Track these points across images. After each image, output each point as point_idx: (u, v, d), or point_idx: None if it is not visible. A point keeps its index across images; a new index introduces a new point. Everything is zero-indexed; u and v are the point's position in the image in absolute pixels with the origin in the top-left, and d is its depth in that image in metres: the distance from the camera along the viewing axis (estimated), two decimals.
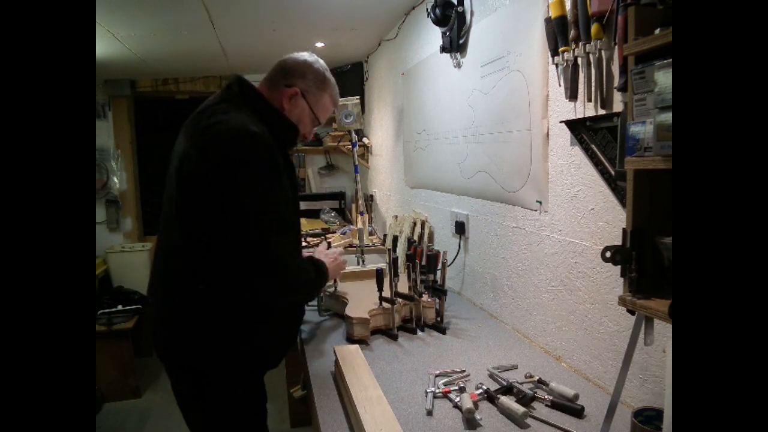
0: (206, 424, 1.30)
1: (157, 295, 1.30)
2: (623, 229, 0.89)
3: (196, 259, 1.20)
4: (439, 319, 1.68)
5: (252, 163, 1.15)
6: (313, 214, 3.94)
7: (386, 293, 1.63)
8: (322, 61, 1.40)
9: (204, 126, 1.19)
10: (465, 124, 1.97)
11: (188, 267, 1.21)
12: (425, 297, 1.69)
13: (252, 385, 1.35)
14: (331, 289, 1.85)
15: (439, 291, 1.67)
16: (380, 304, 1.64)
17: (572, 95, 1.27)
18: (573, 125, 1.29)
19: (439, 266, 1.71)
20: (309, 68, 1.35)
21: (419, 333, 1.63)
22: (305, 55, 1.38)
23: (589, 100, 1.23)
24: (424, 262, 1.68)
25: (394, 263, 1.66)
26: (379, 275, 1.62)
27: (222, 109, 1.24)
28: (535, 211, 1.50)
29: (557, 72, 1.34)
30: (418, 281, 1.68)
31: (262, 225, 1.15)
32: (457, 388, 1.23)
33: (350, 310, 1.63)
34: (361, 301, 1.70)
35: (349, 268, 1.97)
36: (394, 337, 1.59)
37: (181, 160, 1.20)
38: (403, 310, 1.67)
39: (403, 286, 1.68)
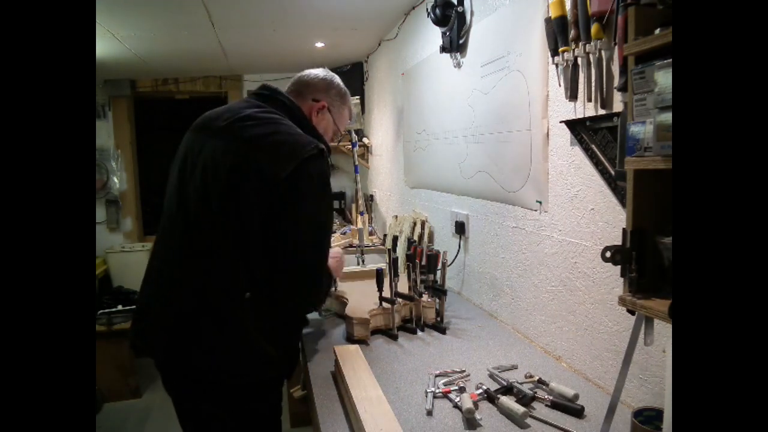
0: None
1: (176, 301, 1.21)
2: (623, 229, 0.89)
3: (245, 267, 1.16)
4: (439, 319, 1.68)
5: (325, 179, 1.23)
6: None
7: (385, 293, 1.63)
8: (338, 77, 1.50)
9: (263, 134, 1.21)
10: (465, 124, 1.97)
11: (234, 274, 1.17)
12: (425, 297, 1.69)
13: (275, 398, 1.32)
14: (331, 289, 1.85)
15: (439, 291, 1.67)
16: (380, 304, 1.64)
17: (572, 95, 1.27)
18: (573, 125, 1.29)
19: (439, 266, 1.71)
20: (331, 84, 1.45)
21: (419, 333, 1.63)
22: (324, 72, 1.47)
23: (589, 100, 1.23)
24: (423, 262, 1.68)
25: (394, 263, 1.66)
26: (379, 275, 1.62)
27: (273, 119, 1.26)
28: (535, 211, 1.50)
29: (557, 72, 1.34)
30: (418, 281, 1.68)
31: (322, 239, 1.25)
32: (457, 388, 1.23)
33: (350, 310, 1.63)
34: (361, 301, 1.70)
35: (349, 268, 1.97)
36: (394, 337, 1.59)
37: (232, 167, 1.17)
38: (402, 310, 1.67)
39: (402, 286, 1.69)
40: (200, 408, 1.24)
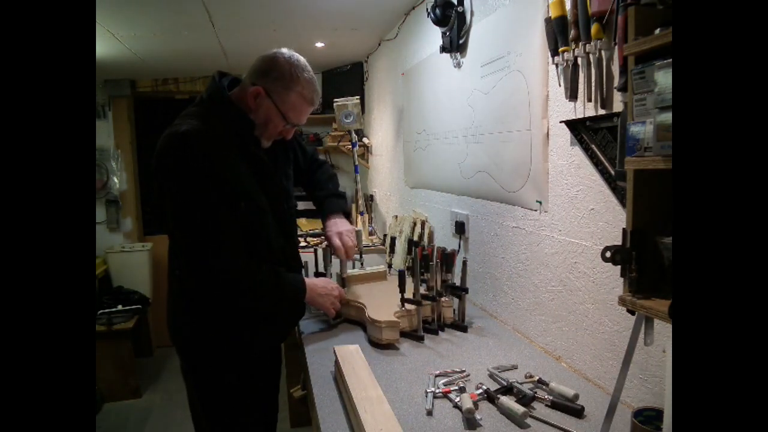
0: (202, 405, 1.44)
1: (168, 284, 1.45)
2: (623, 229, 0.89)
3: (172, 248, 1.37)
4: (458, 318, 1.67)
5: (178, 163, 1.22)
6: (313, 214, 3.93)
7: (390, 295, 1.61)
8: (297, 57, 1.35)
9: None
10: (465, 124, 1.97)
11: (170, 255, 1.39)
12: (444, 297, 1.67)
13: (242, 374, 1.43)
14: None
15: (459, 290, 1.65)
16: (402, 305, 1.60)
17: (572, 95, 1.27)
18: (573, 125, 1.29)
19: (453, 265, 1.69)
20: (276, 65, 1.31)
21: (440, 333, 1.62)
22: (280, 51, 1.34)
23: (589, 100, 1.23)
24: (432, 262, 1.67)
25: (422, 262, 1.63)
26: (401, 276, 1.60)
27: (188, 112, 1.33)
28: (535, 211, 1.50)
29: (557, 72, 1.34)
30: (439, 281, 1.65)
31: (192, 226, 1.24)
32: (457, 388, 1.23)
33: (374, 314, 1.57)
34: (379, 304, 1.66)
35: (349, 271, 1.95)
36: (420, 339, 1.56)
37: None
38: (423, 311, 1.64)
39: (408, 287, 1.65)
40: (184, 371, 1.47)
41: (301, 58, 1.37)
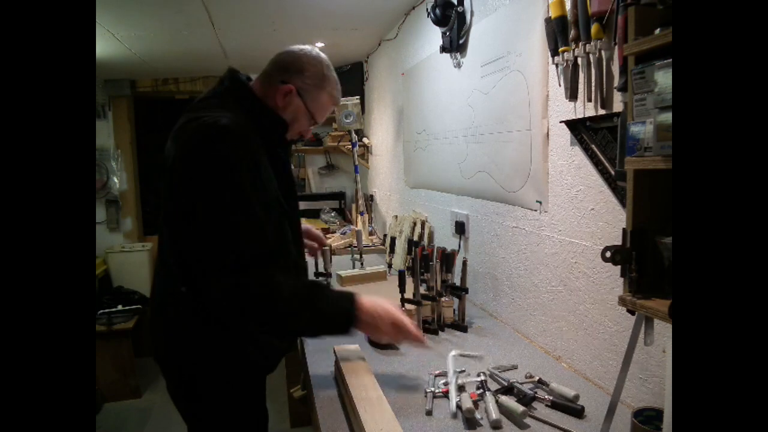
0: (204, 428, 1.27)
1: (153, 297, 1.26)
2: (623, 229, 0.89)
3: (177, 260, 1.13)
4: (458, 318, 1.67)
5: (221, 158, 1.06)
6: (313, 214, 3.94)
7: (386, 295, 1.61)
8: (323, 56, 1.30)
9: (183, 123, 1.13)
10: (465, 124, 1.97)
11: (173, 268, 1.15)
12: (444, 297, 1.67)
13: (247, 390, 1.28)
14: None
15: (459, 290, 1.66)
16: (402, 305, 1.60)
17: (572, 95, 1.27)
18: (573, 125, 1.29)
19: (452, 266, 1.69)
20: (307, 64, 1.25)
21: (440, 333, 1.61)
22: (306, 49, 1.27)
23: (589, 100, 1.23)
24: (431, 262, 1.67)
25: (422, 262, 1.64)
26: (401, 276, 1.60)
27: (206, 105, 1.18)
28: (535, 211, 1.50)
29: (557, 72, 1.34)
30: (439, 281, 1.65)
31: (228, 225, 1.05)
32: (457, 387, 1.22)
33: None
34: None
35: (349, 271, 1.95)
36: None
37: (164, 159, 1.14)
38: (423, 311, 1.65)
39: (408, 287, 1.66)
40: (178, 395, 1.28)
41: (326, 57, 1.31)
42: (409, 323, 1.20)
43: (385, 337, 1.23)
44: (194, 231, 1.07)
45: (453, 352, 1.33)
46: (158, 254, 1.25)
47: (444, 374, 1.31)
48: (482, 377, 1.24)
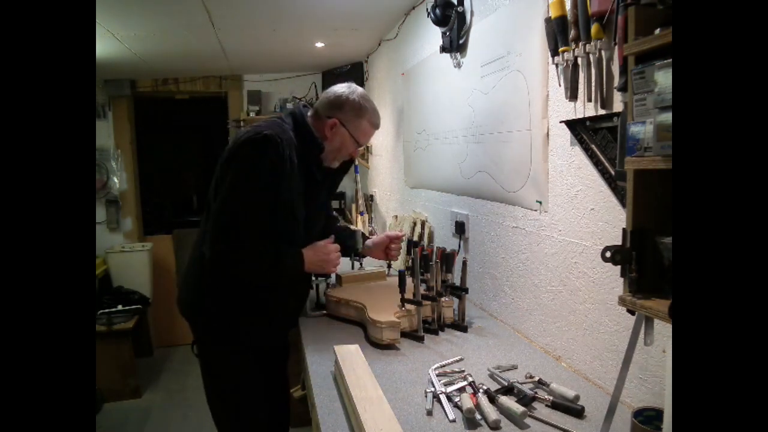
0: (209, 383, 1.63)
1: (187, 262, 1.64)
2: (623, 229, 0.89)
3: (205, 228, 1.49)
4: (458, 318, 1.67)
5: (250, 158, 1.42)
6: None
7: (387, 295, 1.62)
8: (360, 90, 1.63)
9: (246, 129, 1.51)
10: (465, 124, 1.97)
11: (201, 236, 1.52)
12: (444, 297, 1.67)
13: (250, 357, 1.59)
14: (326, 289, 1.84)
15: (459, 290, 1.65)
16: (402, 306, 1.60)
17: (572, 95, 1.27)
18: (573, 125, 1.29)
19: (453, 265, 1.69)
20: (346, 100, 1.58)
21: (437, 333, 1.61)
22: (343, 88, 1.62)
23: (589, 100, 1.23)
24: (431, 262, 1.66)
25: (422, 262, 1.64)
26: (401, 276, 1.60)
27: (271, 121, 1.55)
28: (535, 211, 1.50)
29: (557, 72, 1.34)
30: (439, 281, 1.65)
31: (236, 206, 1.42)
32: (457, 388, 1.22)
33: (375, 314, 1.57)
34: (379, 304, 1.66)
35: (348, 271, 1.95)
36: (420, 339, 1.56)
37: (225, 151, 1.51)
38: (423, 311, 1.64)
39: (408, 287, 1.66)
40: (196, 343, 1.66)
41: (363, 91, 1.66)
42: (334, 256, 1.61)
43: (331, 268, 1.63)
44: (215, 206, 1.45)
45: (433, 367, 1.34)
46: (201, 226, 1.58)
47: (444, 374, 1.31)
48: (470, 378, 1.25)
